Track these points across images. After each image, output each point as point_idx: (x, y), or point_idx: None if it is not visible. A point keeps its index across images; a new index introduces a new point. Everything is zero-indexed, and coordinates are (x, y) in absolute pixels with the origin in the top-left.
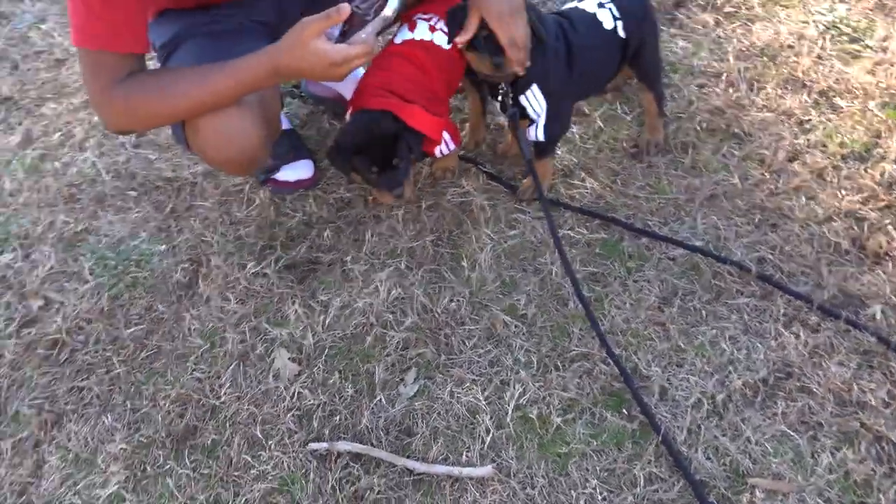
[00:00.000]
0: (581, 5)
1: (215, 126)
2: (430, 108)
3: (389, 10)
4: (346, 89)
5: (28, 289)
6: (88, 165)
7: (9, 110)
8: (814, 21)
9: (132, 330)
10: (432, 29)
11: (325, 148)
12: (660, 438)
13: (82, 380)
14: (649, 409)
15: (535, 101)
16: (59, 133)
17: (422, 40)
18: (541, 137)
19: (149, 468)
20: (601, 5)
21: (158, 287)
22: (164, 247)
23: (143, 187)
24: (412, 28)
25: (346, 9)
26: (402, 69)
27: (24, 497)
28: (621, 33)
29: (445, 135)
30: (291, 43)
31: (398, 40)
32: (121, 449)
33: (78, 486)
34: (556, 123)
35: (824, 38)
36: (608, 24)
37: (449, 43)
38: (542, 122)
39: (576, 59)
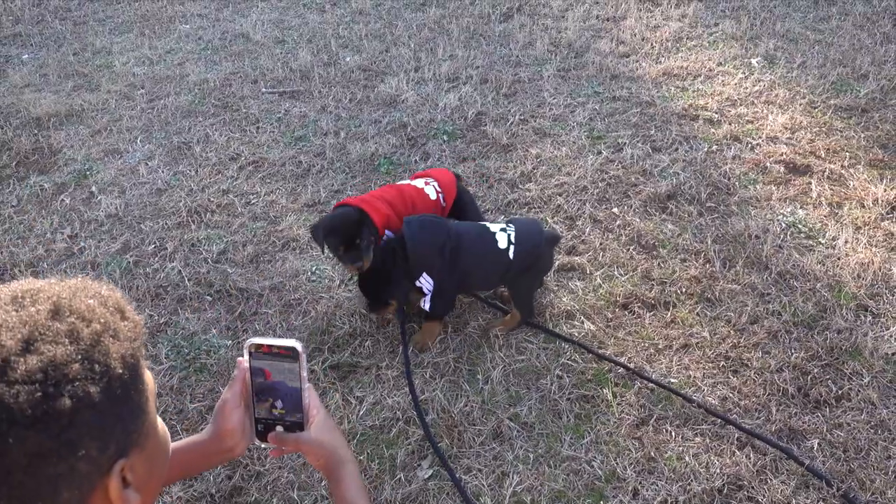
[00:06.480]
0: (492, 224)
1: None
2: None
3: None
4: None
5: None
6: (175, 273)
7: (113, 224)
8: (778, 220)
9: (196, 405)
10: (426, 183)
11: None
12: None
13: None
14: None
15: (425, 282)
16: (153, 245)
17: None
18: (426, 308)
19: None
20: (503, 229)
21: (222, 373)
22: (230, 342)
23: (219, 294)
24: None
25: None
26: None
27: None
28: (510, 255)
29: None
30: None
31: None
32: (177, 498)
33: None
34: (439, 301)
35: (785, 234)
36: (502, 243)
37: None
38: (428, 297)
39: (461, 261)
